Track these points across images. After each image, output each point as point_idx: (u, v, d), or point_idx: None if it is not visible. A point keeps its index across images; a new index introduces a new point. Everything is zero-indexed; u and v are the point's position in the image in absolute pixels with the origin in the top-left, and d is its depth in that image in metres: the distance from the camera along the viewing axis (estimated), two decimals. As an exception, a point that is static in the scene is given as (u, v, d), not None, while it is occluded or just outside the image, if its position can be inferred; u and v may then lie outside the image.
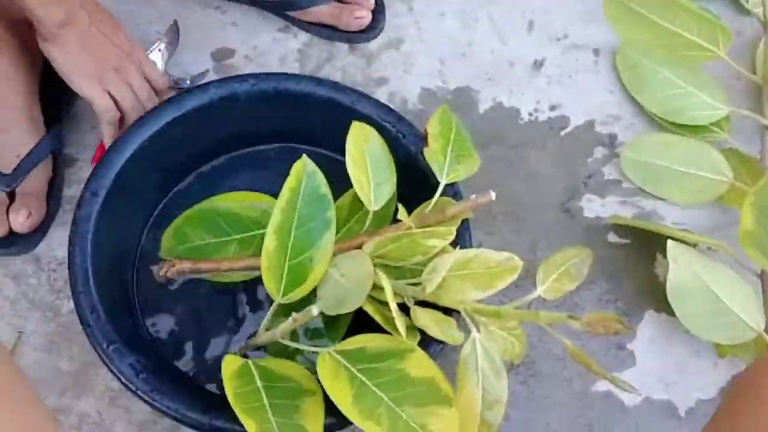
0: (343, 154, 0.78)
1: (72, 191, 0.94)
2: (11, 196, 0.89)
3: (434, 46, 1.06)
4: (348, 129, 0.79)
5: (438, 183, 0.80)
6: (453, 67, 1.05)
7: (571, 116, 1.01)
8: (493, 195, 0.76)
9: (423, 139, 0.82)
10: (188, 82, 1.00)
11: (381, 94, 1.02)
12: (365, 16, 1.01)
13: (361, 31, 1.02)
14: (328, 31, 1.03)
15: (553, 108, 1.02)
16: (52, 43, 0.78)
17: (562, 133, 1.00)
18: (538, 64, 1.05)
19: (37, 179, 0.89)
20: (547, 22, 1.08)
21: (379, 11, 1.03)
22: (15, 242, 0.89)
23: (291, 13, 1.03)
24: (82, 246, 0.79)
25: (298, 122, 0.91)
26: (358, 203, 0.84)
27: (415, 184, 0.84)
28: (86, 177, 0.91)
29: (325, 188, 0.77)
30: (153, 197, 0.91)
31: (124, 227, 0.86)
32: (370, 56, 1.04)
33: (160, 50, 1.00)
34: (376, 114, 0.87)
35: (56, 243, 0.92)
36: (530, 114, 1.02)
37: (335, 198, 0.77)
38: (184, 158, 0.91)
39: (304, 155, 0.77)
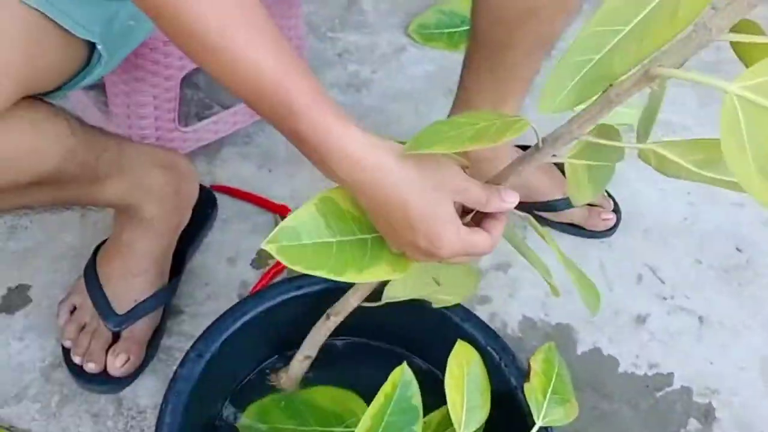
0: (439, 367, 0.78)
1: (170, 342, 0.95)
2: (116, 336, 0.90)
3: (541, 277, 1.07)
4: (451, 344, 0.79)
5: (533, 423, 0.79)
6: (557, 300, 1.05)
7: (668, 379, 1.01)
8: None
9: (525, 373, 0.81)
10: None
11: (482, 312, 1.03)
12: (611, 218, 1.11)
13: (606, 230, 1.12)
14: (576, 231, 1.12)
15: (651, 366, 1.02)
16: None
17: (658, 394, 0.99)
18: (641, 319, 1.06)
19: (144, 326, 0.91)
20: (655, 279, 1.09)
21: (616, 210, 1.13)
22: (105, 382, 0.90)
23: (544, 214, 1.11)
24: (175, 406, 0.79)
25: (404, 327, 0.92)
26: (447, 423, 0.83)
27: (507, 419, 0.83)
28: (187, 330, 0.93)
29: (417, 400, 0.76)
30: (245, 369, 0.92)
31: (214, 393, 0.87)
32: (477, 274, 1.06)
33: None
34: (482, 337, 0.87)
35: (142, 390, 0.92)
36: (628, 367, 1.01)
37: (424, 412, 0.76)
38: (289, 336, 0.92)
39: (405, 363, 0.77)
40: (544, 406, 0.82)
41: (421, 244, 0.57)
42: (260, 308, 0.87)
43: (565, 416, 0.82)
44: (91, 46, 0.71)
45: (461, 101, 1.03)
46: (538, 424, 0.80)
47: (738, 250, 1.14)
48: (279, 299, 0.88)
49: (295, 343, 0.94)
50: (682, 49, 0.45)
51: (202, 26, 0.52)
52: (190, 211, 0.96)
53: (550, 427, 0.81)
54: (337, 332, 0.96)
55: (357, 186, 0.56)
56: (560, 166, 1.11)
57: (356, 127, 0.55)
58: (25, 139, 0.67)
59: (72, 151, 0.73)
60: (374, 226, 0.62)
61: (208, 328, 0.84)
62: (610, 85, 0.50)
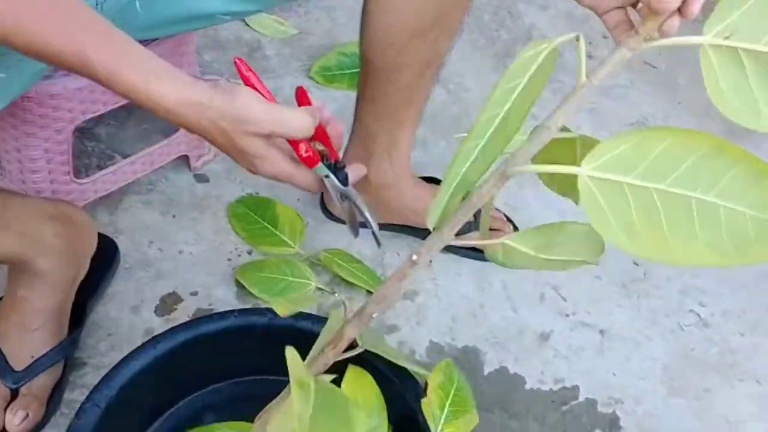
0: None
1: (73, 395, 0.94)
2: (14, 393, 0.89)
3: (448, 303, 1.10)
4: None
5: (432, 439, 0.81)
6: (463, 325, 1.08)
7: (573, 393, 1.03)
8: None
9: (424, 389, 0.83)
10: None
11: (391, 341, 1.04)
12: None
13: None
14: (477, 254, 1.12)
15: (556, 381, 1.04)
16: None
17: (564, 408, 1.01)
18: (545, 336, 1.08)
19: (44, 381, 0.90)
20: (557, 297, 1.12)
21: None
22: (4, 440, 0.88)
23: None
24: (73, 462, 0.78)
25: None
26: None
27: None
28: (90, 383, 0.93)
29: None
30: (149, 416, 0.91)
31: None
32: (386, 303, 1.08)
33: None
34: (382, 364, 0.89)
35: (45, 446, 0.91)
36: (534, 384, 1.03)
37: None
38: (194, 379, 0.92)
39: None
40: (442, 419, 0.84)
41: (245, 166, 0.67)
42: (159, 353, 0.87)
43: (463, 427, 0.84)
44: None
45: (359, 130, 1.05)
46: (436, 437, 0.82)
47: (635, 264, 1.18)
48: (178, 341, 0.88)
49: (200, 387, 0.94)
50: (530, 147, 0.50)
51: None
52: (87, 262, 0.96)
53: (447, 437, 0.83)
54: (244, 372, 0.96)
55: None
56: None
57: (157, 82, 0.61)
58: None
59: None
60: None
61: (105, 376, 0.83)
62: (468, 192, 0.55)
